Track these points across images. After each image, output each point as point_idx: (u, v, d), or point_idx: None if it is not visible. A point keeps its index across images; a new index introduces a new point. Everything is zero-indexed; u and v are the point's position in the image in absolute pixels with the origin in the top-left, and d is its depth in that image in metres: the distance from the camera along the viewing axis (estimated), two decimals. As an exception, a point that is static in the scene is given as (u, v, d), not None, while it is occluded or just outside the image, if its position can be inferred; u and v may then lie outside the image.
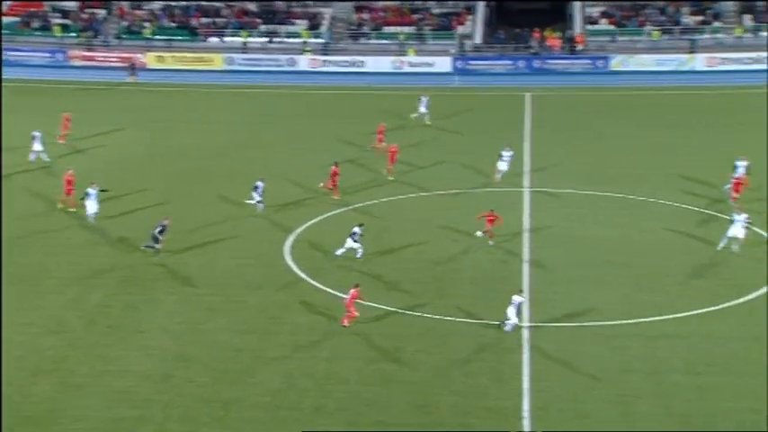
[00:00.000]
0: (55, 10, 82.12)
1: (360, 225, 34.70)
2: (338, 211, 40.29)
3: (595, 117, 58.12)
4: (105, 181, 40.12)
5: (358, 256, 34.22)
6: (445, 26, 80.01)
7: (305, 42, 78.19)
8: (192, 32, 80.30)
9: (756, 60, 71.97)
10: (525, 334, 28.58)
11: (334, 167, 41.70)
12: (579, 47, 76.14)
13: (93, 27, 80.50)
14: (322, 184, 41.82)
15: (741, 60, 72.38)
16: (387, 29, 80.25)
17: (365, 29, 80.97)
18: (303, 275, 33.48)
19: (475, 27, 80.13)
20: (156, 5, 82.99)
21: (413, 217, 39.33)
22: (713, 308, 30.06)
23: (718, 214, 38.67)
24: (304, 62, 76.45)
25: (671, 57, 73.70)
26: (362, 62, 75.93)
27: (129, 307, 31.10)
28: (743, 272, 32.79)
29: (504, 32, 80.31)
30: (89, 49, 78.13)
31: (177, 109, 62.15)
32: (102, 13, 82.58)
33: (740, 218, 33.98)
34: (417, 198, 42.09)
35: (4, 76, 63.38)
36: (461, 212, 39.53)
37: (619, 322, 29.08)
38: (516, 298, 28.45)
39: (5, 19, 78.94)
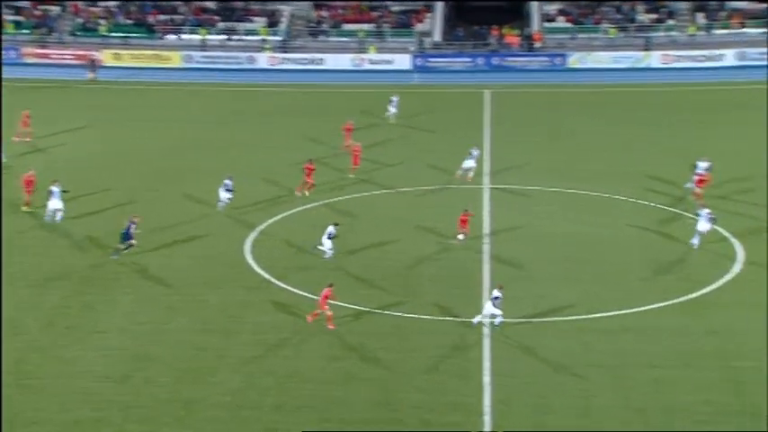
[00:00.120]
0: (7, 7, 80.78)
1: (335, 224, 34.50)
2: (300, 208, 40.16)
3: (554, 114, 58.55)
4: (66, 180, 39.51)
5: (326, 256, 34.05)
6: (404, 23, 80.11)
7: (263, 40, 77.78)
8: (149, 30, 79.49)
9: (709, 58, 73.09)
10: (486, 329, 28.69)
11: (308, 165, 41.47)
12: (537, 44, 76.70)
13: (47, 24, 79.32)
14: (299, 192, 41.44)
15: (695, 58, 73.44)
16: (346, 26, 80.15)
17: (324, 26, 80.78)
18: (265, 274, 33.30)
19: (434, 24, 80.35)
20: (112, 2, 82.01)
21: (377, 215, 39.30)
22: (671, 302, 30.42)
23: (677, 210, 39.14)
24: (263, 60, 76.07)
25: (627, 54, 74.56)
26: (322, 60, 75.77)
27: (88, 307, 30.70)
28: (699, 267, 33.23)
29: (462, 30, 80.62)
30: (43, 47, 77.02)
31: (136, 107, 61.47)
32: (55, 9, 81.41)
33: (704, 213, 34.33)
34: (381, 196, 42.07)
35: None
36: (425, 210, 39.69)
37: (580, 317, 29.31)
38: (494, 292, 28.49)
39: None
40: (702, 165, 40.50)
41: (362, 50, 76.57)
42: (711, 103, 60.41)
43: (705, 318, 29.30)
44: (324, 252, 34.09)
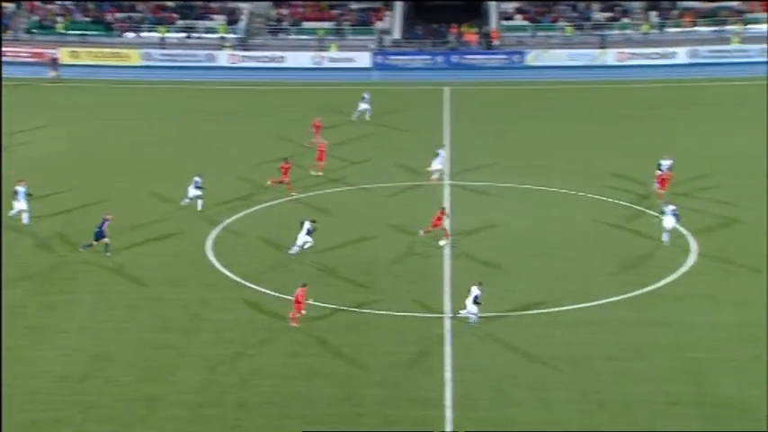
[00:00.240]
0: (-39, 4, 79.34)
1: (312, 221, 34.25)
2: (264, 206, 39.90)
3: (513, 111, 58.82)
4: (29, 179, 38.71)
5: (291, 251, 33.80)
6: (364, 22, 80.00)
7: (222, 38, 77.20)
8: (108, 28, 78.46)
9: (662, 56, 73.94)
10: (447, 324, 28.71)
11: (284, 164, 41.22)
12: (495, 42, 77.03)
13: (2, 22, 77.87)
14: (270, 182, 41.16)
15: (648, 56, 74.25)
16: (306, 24, 79.82)
17: (284, 24, 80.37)
18: (227, 272, 33.02)
19: (393, 22, 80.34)
20: (69, 0, 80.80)
21: (341, 212, 39.10)
22: (628, 295, 30.67)
23: (636, 206, 39.46)
24: (223, 57, 75.47)
25: (583, 52, 75.14)
26: (282, 58, 75.39)
27: (48, 307, 30.21)
28: (655, 260, 33.53)
29: (422, 28, 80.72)
30: (-3, 45, 75.70)
31: (97, 105, 60.62)
32: (11, 6, 79.94)
33: (668, 209, 34.52)
34: (344, 193, 41.91)
35: None
36: (388, 207, 39.66)
37: (540, 312, 29.43)
38: (474, 289, 28.48)
39: None
40: (665, 163, 40.65)
41: (323, 48, 76.30)
42: (666, 100, 61.05)
43: (661, 310, 29.60)
44: (293, 248, 33.80)
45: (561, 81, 68.23)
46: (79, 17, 79.41)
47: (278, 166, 41.51)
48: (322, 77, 70.88)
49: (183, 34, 78.34)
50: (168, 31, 77.98)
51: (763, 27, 76.83)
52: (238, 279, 32.36)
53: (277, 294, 31.00)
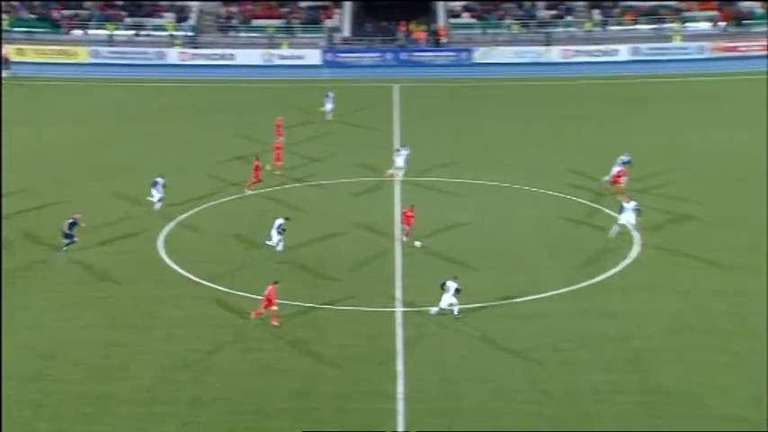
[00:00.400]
0: None
1: (286, 218, 33.98)
2: (216, 202, 39.62)
3: (462, 107, 59.16)
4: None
5: (270, 242, 33.60)
6: (313, 20, 79.74)
7: (171, 35, 76.35)
8: (54, 25, 77.07)
9: (605, 53, 74.96)
10: (399, 318, 28.79)
11: (257, 161, 40.91)
12: (443, 40, 77.36)
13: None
14: (248, 188, 40.76)
15: (592, 53, 75.21)
16: (256, 22, 79.32)
17: (234, 22, 79.75)
18: (179, 269, 32.69)
19: (343, 20, 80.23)
20: (15, -4, 79.28)
21: (294, 208, 38.86)
22: (574, 287, 31.04)
23: (582, 199, 39.93)
24: (173, 55, 74.66)
25: (529, 49, 75.85)
26: (232, 55, 74.84)
27: (-4, 306, 29.61)
28: (601, 253, 33.92)
29: (371, 26, 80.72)
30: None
31: (45, 104, 59.60)
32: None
33: (629, 205, 34.67)
34: (293, 189, 41.73)
35: None
36: (341, 203, 39.63)
37: (489, 304, 29.63)
38: (451, 283, 28.49)
39: None
40: (623, 159, 40.62)
41: (273, 46, 75.88)
42: (611, 96, 61.88)
43: (607, 302, 29.98)
44: (278, 245, 33.57)
45: (508, 78, 68.77)
46: (25, 14, 77.85)
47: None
48: (272, 75, 70.55)
49: (132, 32, 77.31)
50: (117, 29, 76.88)
51: (700, 25, 78.39)
52: (191, 276, 32.07)
53: (230, 291, 30.80)
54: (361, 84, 66.45)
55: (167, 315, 29.29)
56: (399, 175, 42.24)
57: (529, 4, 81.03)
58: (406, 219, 34.61)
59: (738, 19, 78.39)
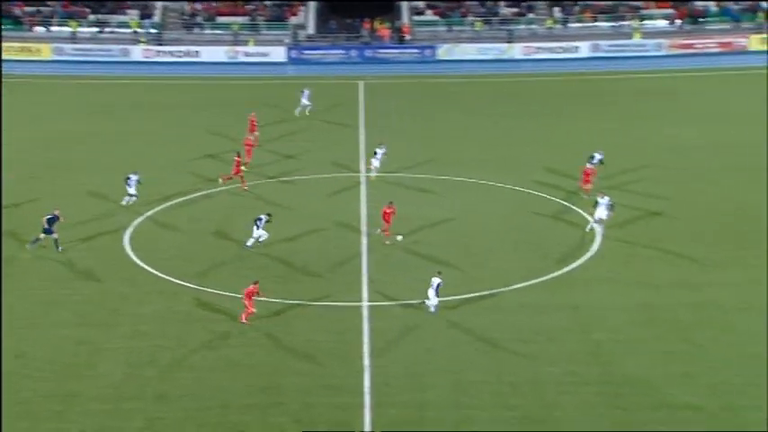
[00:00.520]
0: None
1: (268, 214, 33.80)
2: (181, 199, 39.32)
3: (426, 104, 59.22)
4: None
5: (259, 240, 33.50)
6: (278, 17, 79.37)
7: (135, 32, 75.59)
8: (16, 22, 75.88)
9: (566, 50, 75.50)
10: (365, 313, 28.79)
11: (238, 158, 40.62)
12: (407, 37, 77.42)
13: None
14: (221, 180, 40.55)
15: (553, 50, 75.70)
16: (220, 19, 78.78)
17: (198, 19, 79.12)
18: (145, 266, 32.41)
19: (307, 17, 79.96)
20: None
21: (262, 204, 38.74)
22: (538, 280, 31.25)
23: (545, 194, 40.17)
24: (137, 52, 73.90)
25: (491, 46, 76.13)
26: (197, 52, 74.26)
27: (-40, 305, 29.14)
28: (563, 247, 34.14)
29: (335, 23, 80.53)
30: None
31: (10, 102, 58.47)
32: None
33: (603, 200, 34.79)
34: (263, 185, 41.53)
35: None
36: (310, 199, 39.52)
37: (454, 298, 29.72)
38: (435, 279, 28.42)
39: None
40: (596, 156, 40.49)
41: (238, 43, 75.42)
42: (572, 93, 62.26)
43: (569, 294, 30.22)
44: (251, 245, 33.41)
45: (471, 74, 69.00)
46: (-14, 11, 76.59)
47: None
48: (238, 72, 70.13)
49: (96, 29, 76.40)
50: (80, 26, 75.91)
51: (657, 23, 79.30)
52: (158, 273, 31.81)
53: (197, 287, 30.60)
54: (327, 81, 66.23)
55: (134, 312, 29.04)
56: (372, 174, 41.92)
57: (491, 2, 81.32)
58: (385, 216, 34.13)
59: (694, 17, 79.40)
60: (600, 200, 34.78)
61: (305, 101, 54.61)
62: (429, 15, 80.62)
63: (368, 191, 40.72)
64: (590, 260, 32.88)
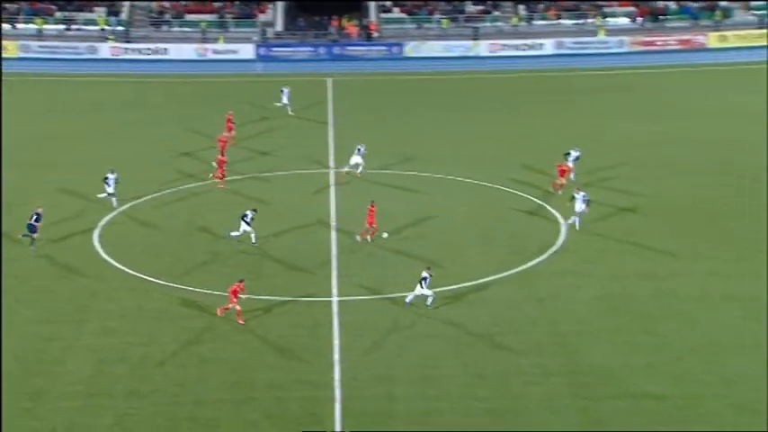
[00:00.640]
0: None
1: (254, 210, 33.58)
2: (152, 196, 38.99)
3: (394, 100, 59.24)
4: None
5: (235, 233, 33.29)
6: (246, 14, 78.94)
7: (103, 29, 74.76)
8: (-19, 19, 74.78)
9: (531, 47, 75.89)
10: (335, 308, 28.75)
11: (222, 156, 40.33)
12: (374, 34, 77.36)
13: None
14: (212, 176, 40.24)
15: (518, 47, 76.05)
16: (189, 17, 78.17)
17: (167, 17, 78.43)
18: (115, 263, 32.10)
19: (276, 15, 79.61)
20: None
21: (230, 200, 38.62)
22: (505, 274, 31.37)
23: (513, 190, 40.37)
24: (105, 50, 73.09)
25: (458, 43, 76.33)
26: (166, 50, 73.62)
27: (-73, 304, 28.65)
28: (532, 241, 34.27)
29: (304, 20, 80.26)
30: None
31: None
32: None
33: (579, 195, 34.91)
34: (233, 182, 41.29)
35: None
36: (281, 195, 39.34)
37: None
38: (424, 273, 28.36)
39: None
40: (573, 154, 40.54)
41: (206, 41, 74.88)
42: (536, 90, 62.66)
43: (535, 287, 30.38)
44: (236, 236, 33.22)
45: (438, 71, 69.11)
46: (-49, 8, 75.32)
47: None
48: (206, 69, 69.66)
49: (62, 26, 75.44)
50: (46, 23, 74.90)
51: (619, 20, 80.00)
52: (128, 270, 31.52)
53: (167, 283, 30.38)
54: (296, 78, 65.92)
55: (104, 309, 28.76)
56: (352, 172, 41.47)
57: (457, 0, 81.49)
58: (369, 218, 33.40)
59: (655, 15, 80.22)
60: (576, 195, 34.95)
61: (285, 99, 54.05)
62: (396, 13, 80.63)
63: (337, 186, 40.64)
64: (557, 254, 33.09)
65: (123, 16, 77.47)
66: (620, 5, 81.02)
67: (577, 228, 34.81)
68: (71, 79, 65.35)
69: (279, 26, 78.78)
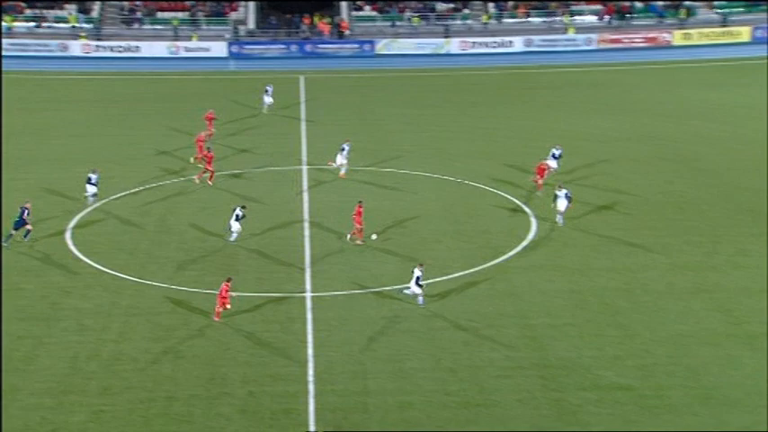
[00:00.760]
0: None
1: (242, 207, 33.34)
2: (124, 193, 38.63)
3: (365, 97, 59.18)
4: None
5: (231, 238, 32.99)
6: (218, 12, 78.45)
7: (74, 27, 73.90)
8: (-49, 17, 73.69)
9: (501, 44, 76.14)
10: (308, 304, 28.66)
11: (208, 153, 39.96)
12: (346, 32, 77.21)
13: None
14: (204, 181, 39.74)
15: (488, 44, 76.28)
16: (160, 14, 77.52)
17: (138, 14, 77.72)
18: (87, 260, 31.76)
19: (247, 13, 79.20)
20: None
21: (201, 197, 38.35)
22: (477, 269, 31.46)
23: (483, 185, 40.47)
24: (76, 47, 72.28)
25: (429, 41, 76.40)
26: (138, 47, 72.97)
27: None
28: (501, 236, 34.40)
29: (275, 18, 79.91)
30: None
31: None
32: None
33: (561, 192, 34.97)
34: (203, 181, 41.00)
35: None
36: (245, 191, 39.11)
37: (393, 287, 29.76)
38: (415, 271, 28.23)
39: None
40: (555, 152, 40.58)
41: (178, 38, 74.31)
42: (507, 87, 62.86)
43: (506, 282, 30.47)
44: (232, 234, 32.92)
45: (409, 69, 69.13)
46: None
47: (204, 155, 40.18)
48: (179, 67, 69.12)
49: (33, 24, 74.48)
50: (15, 21, 73.90)
51: (587, 18, 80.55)
52: (100, 267, 31.20)
53: (140, 280, 30.12)
54: (268, 75, 65.59)
55: (76, 306, 28.45)
56: (335, 166, 41.17)
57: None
58: (357, 219, 32.93)
59: (622, 13, 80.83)
60: (558, 192, 35.00)
61: (268, 98, 53.56)
62: (367, 11, 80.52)
63: (309, 182, 40.51)
64: (528, 249, 33.20)
65: (94, 14, 76.65)
66: (588, 4, 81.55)
67: (561, 225, 34.83)
68: (41, 77, 64.55)
69: (251, 24, 78.39)
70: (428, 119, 53.18)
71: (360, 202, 33.40)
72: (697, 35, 77.75)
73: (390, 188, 40.05)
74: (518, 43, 76.14)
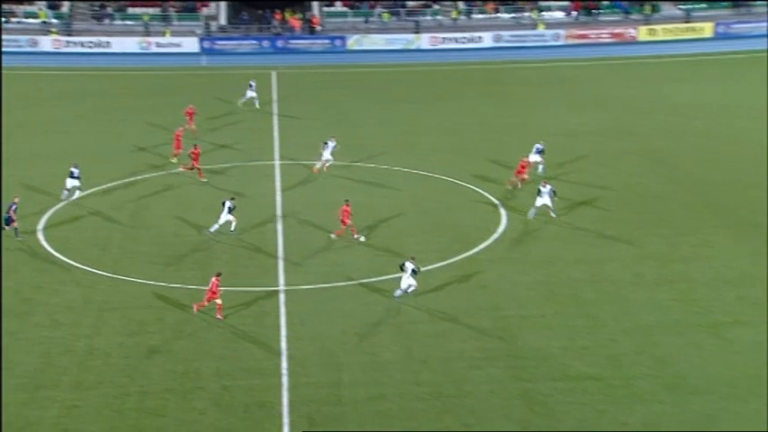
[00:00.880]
0: None
1: (231, 199, 33.06)
2: (97, 188, 38.18)
3: (337, 92, 59.08)
4: None
5: (213, 228, 32.72)
6: (190, 8, 77.84)
7: (45, 23, 72.95)
8: None
9: (470, 40, 76.37)
10: (282, 297, 28.57)
11: (195, 149, 39.53)
12: (317, 28, 76.99)
13: (2, 18, 70.03)
14: (182, 167, 39.45)
15: (458, 40, 76.46)
16: (131, 10, 76.77)
17: (109, 10, 76.88)
18: (59, 255, 31.40)
19: (219, 9, 78.69)
20: None
21: (178, 193, 38.03)
22: (448, 261, 31.52)
23: (453, 179, 40.57)
24: (47, 43, 71.34)
25: (399, 36, 76.41)
26: (108, 43, 72.19)
27: None
28: (473, 229, 34.48)
29: (247, 14, 79.45)
30: None
31: None
32: None
33: (545, 189, 34.94)
34: (181, 176, 40.70)
35: None
36: (219, 186, 38.88)
37: (367, 281, 29.74)
38: (408, 264, 28.12)
39: None
40: (538, 147, 40.48)
41: (149, 34, 73.62)
42: (477, 82, 63.06)
43: (477, 274, 30.57)
44: (214, 226, 32.65)
45: (380, 64, 69.10)
46: None
47: (190, 152, 39.79)
48: (150, 62, 68.50)
49: (2, 19, 73.41)
50: (-14, 16, 72.92)
51: (555, 14, 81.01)
52: (73, 262, 30.86)
53: (113, 275, 29.83)
54: (240, 71, 65.34)
55: (48, 301, 28.12)
56: (319, 167, 40.73)
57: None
58: (344, 218, 32.63)
59: (588, 9, 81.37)
60: (542, 188, 35.05)
61: (251, 93, 53.02)
62: (339, 7, 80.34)
63: (282, 177, 40.37)
64: (498, 242, 33.32)
65: (65, 9, 75.70)
66: (555, 0, 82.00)
67: (532, 218, 34.97)
68: (11, 72, 63.63)
69: (222, 20, 77.90)
70: (399, 114, 53.18)
71: (347, 200, 33.13)
72: (662, 31, 78.49)
73: (364, 182, 40.00)
74: (487, 39, 76.38)
